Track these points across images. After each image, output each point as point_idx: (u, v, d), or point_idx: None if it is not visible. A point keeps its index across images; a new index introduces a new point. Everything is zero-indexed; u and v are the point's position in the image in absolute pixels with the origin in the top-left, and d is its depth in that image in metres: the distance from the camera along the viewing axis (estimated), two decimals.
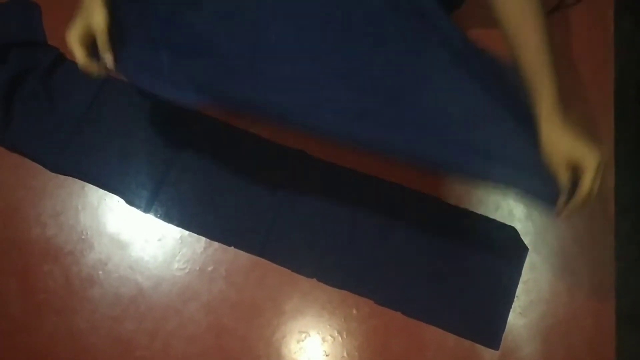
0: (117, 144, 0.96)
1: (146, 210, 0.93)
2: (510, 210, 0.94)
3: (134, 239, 0.92)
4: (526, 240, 0.92)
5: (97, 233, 0.92)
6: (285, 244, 0.92)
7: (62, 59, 1.01)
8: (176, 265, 0.91)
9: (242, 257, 0.91)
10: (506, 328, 0.88)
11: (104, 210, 0.94)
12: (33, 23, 1.02)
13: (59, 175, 0.95)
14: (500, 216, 0.94)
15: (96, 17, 0.73)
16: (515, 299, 0.90)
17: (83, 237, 0.92)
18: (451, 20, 0.74)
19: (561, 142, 0.67)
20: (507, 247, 0.93)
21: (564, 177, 0.67)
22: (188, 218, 0.93)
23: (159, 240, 0.92)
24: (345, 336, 0.88)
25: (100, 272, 0.90)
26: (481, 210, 0.94)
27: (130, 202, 0.94)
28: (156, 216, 0.93)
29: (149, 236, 0.92)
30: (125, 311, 0.88)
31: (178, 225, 0.93)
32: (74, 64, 0.98)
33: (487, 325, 0.89)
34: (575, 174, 0.67)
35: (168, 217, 0.93)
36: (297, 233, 0.92)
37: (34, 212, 0.93)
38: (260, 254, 0.91)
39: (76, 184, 0.95)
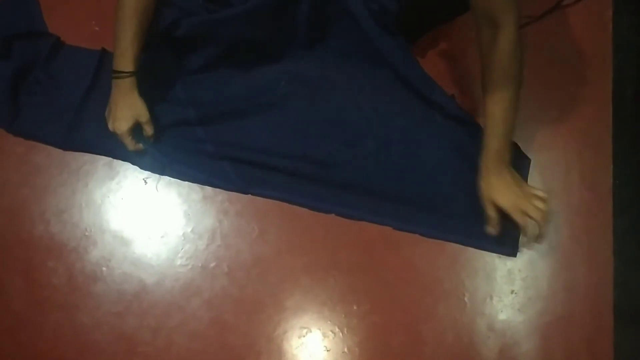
0: None
1: (162, 172, 0.96)
2: None
3: (137, 235, 0.93)
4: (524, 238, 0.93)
5: (101, 230, 0.93)
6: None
7: (59, 44, 1.03)
8: (179, 262, 0.92)
9: (244, 254, 0.92)
10: (504, 325, 0.89)
11: (107, 207, 0.95)
12: (33, 15, 1.04)
13: (63, 173, 0.96)
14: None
15: (143, 112, 0.90)
16: (514, 295, 0.91)
17: (86, 234, 0.93)
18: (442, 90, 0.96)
19: (497, 190, 0.85)
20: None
21: (491, 213, 0.87)
22: (203, 174, 0.95)
23: (162, 237, 0.93)
24: (345, 332, 0.89)
25: (103, 269, 0.91)
26: None
27: (143, 166, 0.96)
28: (172, 176, 0.95)
29: (152, 233, 0.93)
30: (128, 307, 0.89)
31: (193, 182, 0.95)
32: (72, 47, 1.03)
33: (503, 235, 0.90)
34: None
35: (183, 175, 0.96)
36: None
37: (37, 209, 0.94)
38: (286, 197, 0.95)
39: (79, 182, 0.96)
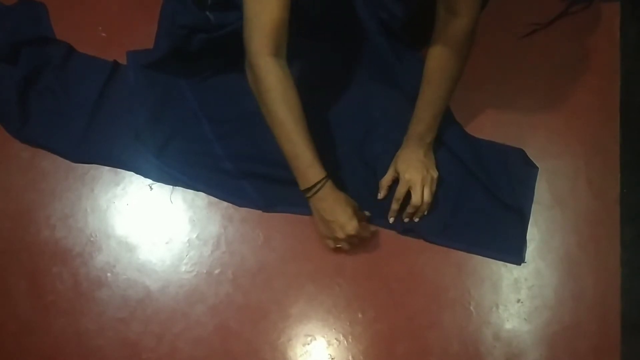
0: (133, 126, 0.97)
1: (175, 183, 0.96)
2: None
3: (142, 241, 0.93)
4: (531, 246, 0.93)
5: (106, 236, 0.93)
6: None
7: (72, 52, 1.03)
8: (183, 268, 0.92)
9: (249, 260, 0.92)
10: (510, 334, 0.88)
11: (112, 213, 0.95)
12: (41, 21, 1.05)
13: (68, 178, 0.96)
14: None
15: (353, 201, 0.88)
16: (520, 304, 0.90)
17: (92, 239, 0.93)
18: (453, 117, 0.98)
19: (402, 160, 0.91)
20: (518, 168, 0.96)
21: (388, 178, 0.93)
22: (224, 193, 0.96)
23: (167, 243, 0.93)
24: (350, 340, 0.88)
25: (108, 275, 0.91)
26: None
27: (160, 179, 0.96)
28: (185, 186, 0.96)
29: (156, 239, 0.93)
30: (133, 313, 0.89)
31: (211, 195, 0.96)
32: (83, 56, 1.03)
33: (509, 243, 0.93)
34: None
35: (203, 191, 0.96)
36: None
37: (43, 214, 0.94)
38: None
39: (85, 187, 0.96)
